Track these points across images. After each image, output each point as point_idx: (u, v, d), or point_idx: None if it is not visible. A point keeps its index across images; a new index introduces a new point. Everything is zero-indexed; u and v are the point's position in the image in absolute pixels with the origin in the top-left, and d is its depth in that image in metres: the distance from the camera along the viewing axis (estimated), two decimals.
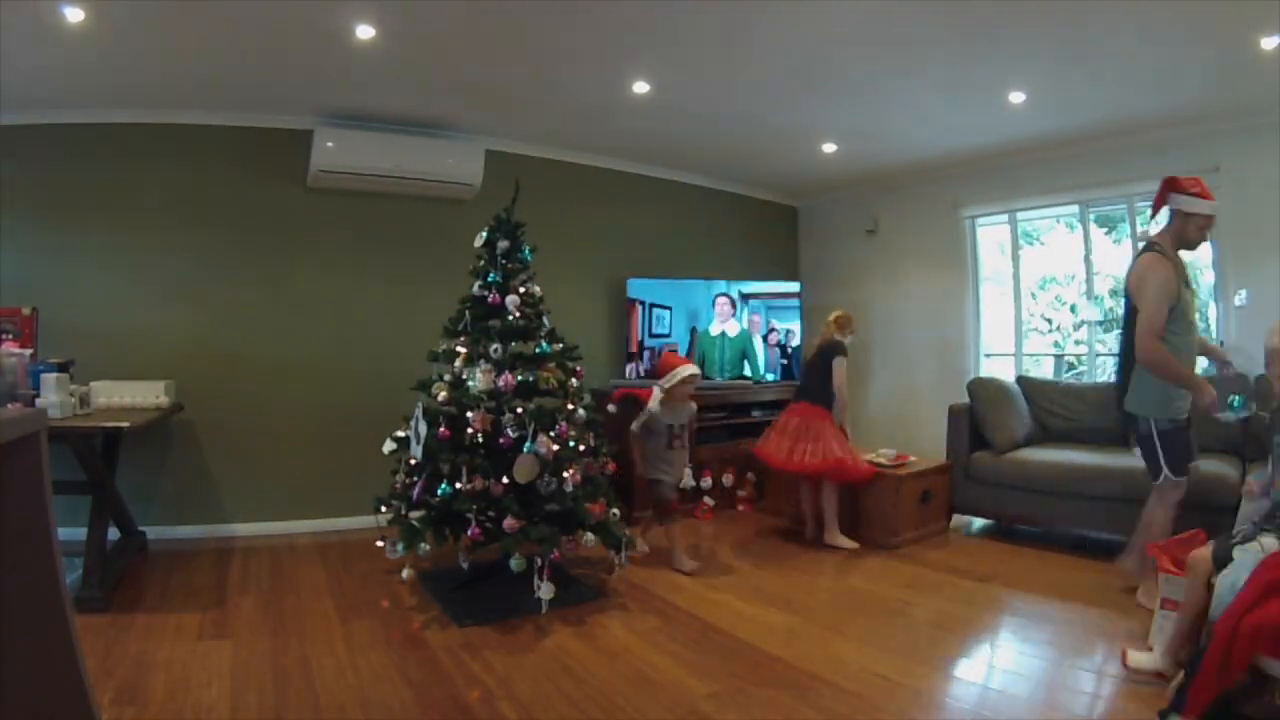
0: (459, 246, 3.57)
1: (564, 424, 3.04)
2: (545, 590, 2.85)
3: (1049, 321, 5.87)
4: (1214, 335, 4.22)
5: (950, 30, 3.01)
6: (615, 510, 3.14)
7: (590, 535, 3.01)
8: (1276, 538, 1.97)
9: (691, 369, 3.66)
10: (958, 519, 4.30)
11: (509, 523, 2.80)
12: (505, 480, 2.87)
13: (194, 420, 3.88)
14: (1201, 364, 3.01)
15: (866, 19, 2.94)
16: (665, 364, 3.74)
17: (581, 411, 3.20)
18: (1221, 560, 1.98)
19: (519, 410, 3.02)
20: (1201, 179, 2.83)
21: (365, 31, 3.00)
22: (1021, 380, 4.53)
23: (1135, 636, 2.56)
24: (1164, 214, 2.88)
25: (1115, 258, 5.01)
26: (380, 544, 3.08)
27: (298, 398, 4.09)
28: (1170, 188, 2.83)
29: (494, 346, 3.10)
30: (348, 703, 2.14)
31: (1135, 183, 4.33)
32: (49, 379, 2.83)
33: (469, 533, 2.84)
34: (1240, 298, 3.93)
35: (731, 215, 5.84)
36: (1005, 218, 5.01)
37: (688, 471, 3.70)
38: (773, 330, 5.33)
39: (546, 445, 2.90)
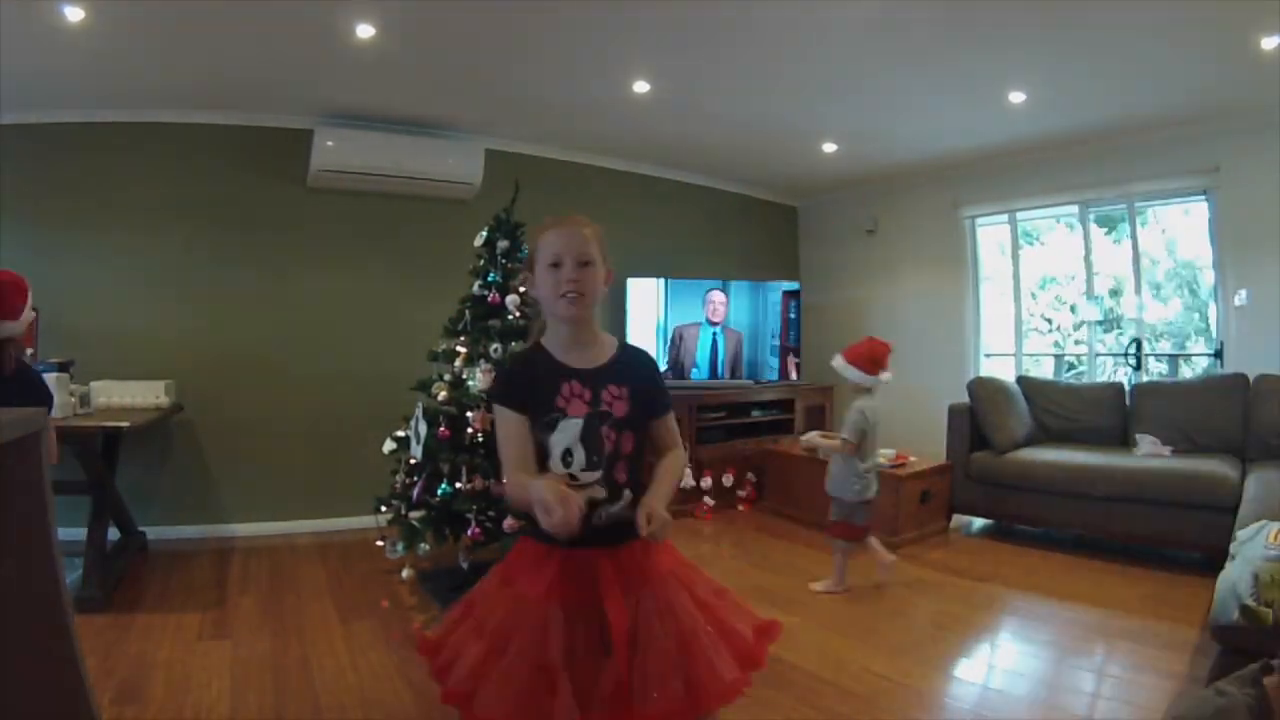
0: (459, 246, 3.57)
1: None
2: None
3: (1049, 321, 5.86)
4: (1214, 335, 4.23)
5: (950, 30, 3.01)
6: None
7: None
8: None
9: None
10: (958, 519, 4.30)
11: (509, 523, 2.80)
12: (505, 480, 2.87)
13: (194, 420, 3.88)
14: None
15: (867, 19, 2.94)
16: (873, 351, 3.06)
17: None
18: None
19: None
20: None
21: (365, 31, 3.00)
22: (1021, 380, 4.53)
23: (1136, 636, 2.57)
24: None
25: (1115, 258, 5.01)
26: (380, 544, 3.08)
27: (298, 397, 4.09)
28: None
29: (494, 346, 3.10)
30: (348, 703, 2.14)
31: (1135, 183, 4.33)
32: (49, 379, 2.82)
33: (469, 533, 2.84)
34: (1240, 298, 3.93)
35: (731, 215, 5.83)
36: (1005, 218, 5.01)
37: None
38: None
39: None
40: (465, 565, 3.10)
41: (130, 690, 2.15)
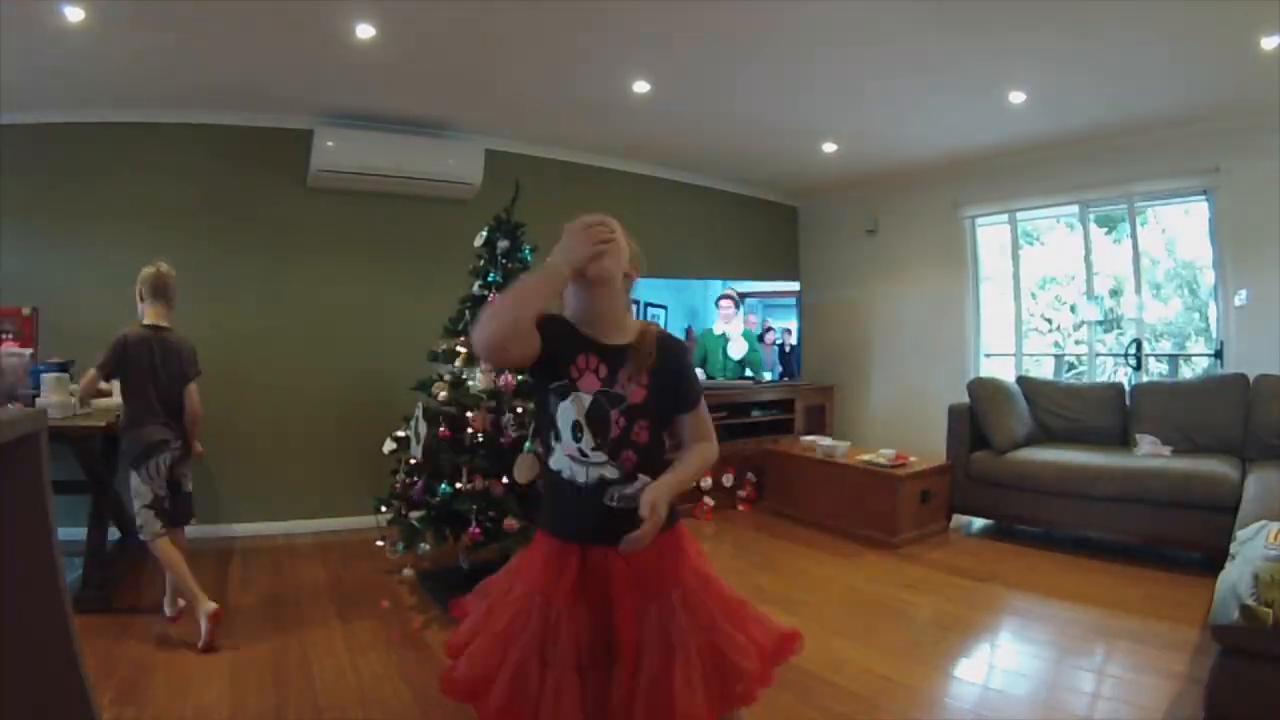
0: (459, 246, 3.57)
1: None
2: None
3: (1049, 321, 5.86)
4: (1214, 335, 4.23)
5: (950, 30, 3.01)
6: None
7: None
8: None
9: None
10: (958, 519, 4.30)
11: (509, 523, 2.80)
12: (505, 480, 2.87)
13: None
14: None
15: (867, 19, 2.94)
16: None
17: None
18: None
19: (519, 410, 3.02)
20: None
21: (365, 31, 3.00)
22: (1021, 380, 4.53)
23: (1136, 636, 2.57)
24: None
25: (1115, 258, 5.02)
26: (380, 544, 3.08)
27: (298, 397, 4.09)
28: None
29: None
30: (348, 703, 2.14)
31: (1135, 183, 4.33)
32: (49, 379, 2.83)
33: (469, 533, 2.84)
34: (1240, 298, 3.93)
35: (731, 215, 5.83)
36: (1005, 218, 5.01)
37: None
38: (769, 330, 5.32)
39: None
40: (465, 565, 3.10)
41: (130, 690, 2.15)
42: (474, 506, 2.86)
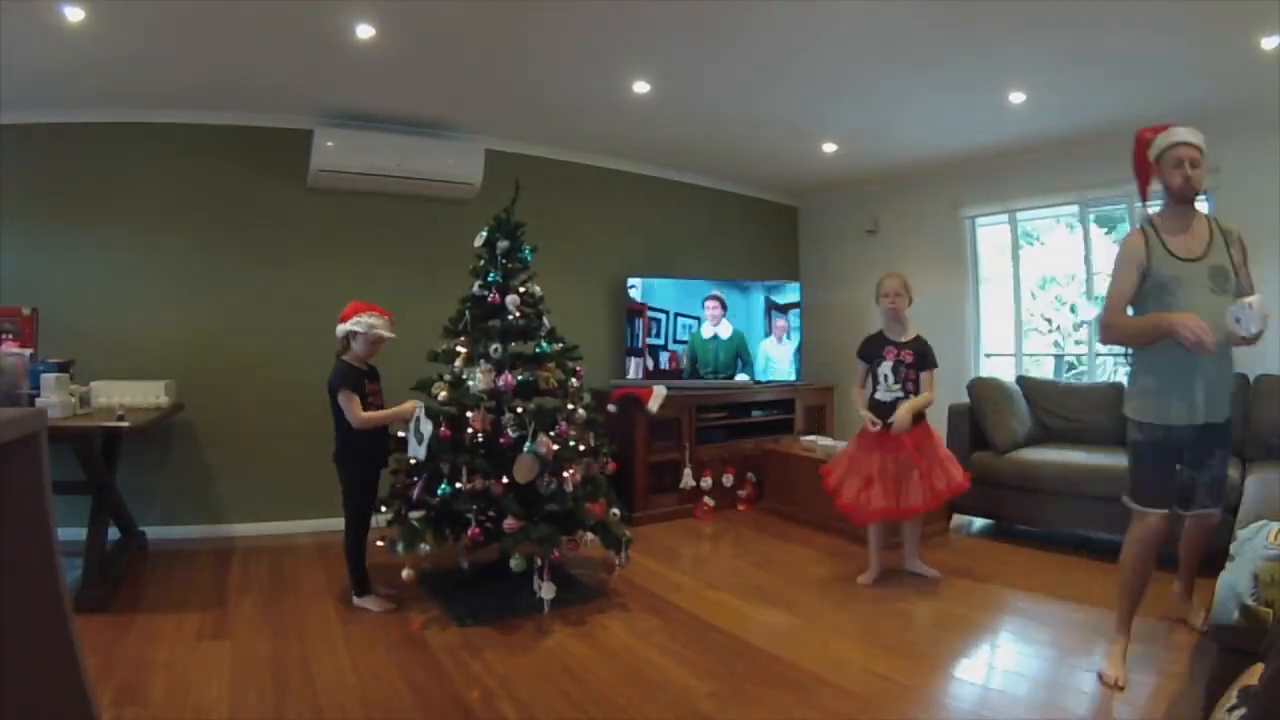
0: (459, 246, 3.57)
1: (564, 424, 3.04)
2: (546, 590, 2.85)
3: (1049, 321, 5.87)
4: None
5: (951, 30, 3.01)
6: (615, 510, 3.14)
7: (590, 535, 3.01)
8: None
9: None
10: (958, 519, 4.30)
11: (509, 523, 2.80)
12: (505, 480, 2.87)
13: (194, 420, 3.88)
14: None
15: (867, 19, 2.94)
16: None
17: (581, 411, 3.20)
18: None
19: (519, 410, 3.02)
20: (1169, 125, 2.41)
21: (365, 31, 3.00)
22: (1021, 380, 4.53)
23: (1136, 635, 2.56)
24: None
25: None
26: (380, 544, 3.08)
27: (298, 397, 4.08)
28: (1140, 145, 2.50)
29: (494, 346, 3.10)
30: (348, 703, 2.14)
31: (1135, 183, 4.31)
32: (49, 379, 2.83)
33: (469, 533, 2.84)
34: None
35: (731, 215, 5.83)
36: (1005, 218, 5.01)
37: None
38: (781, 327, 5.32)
39: (546, 445, 2.90)
40: (465, 565, 3.11)
41: (130, 690, 2.15)
42: (474, 506, 2.86)
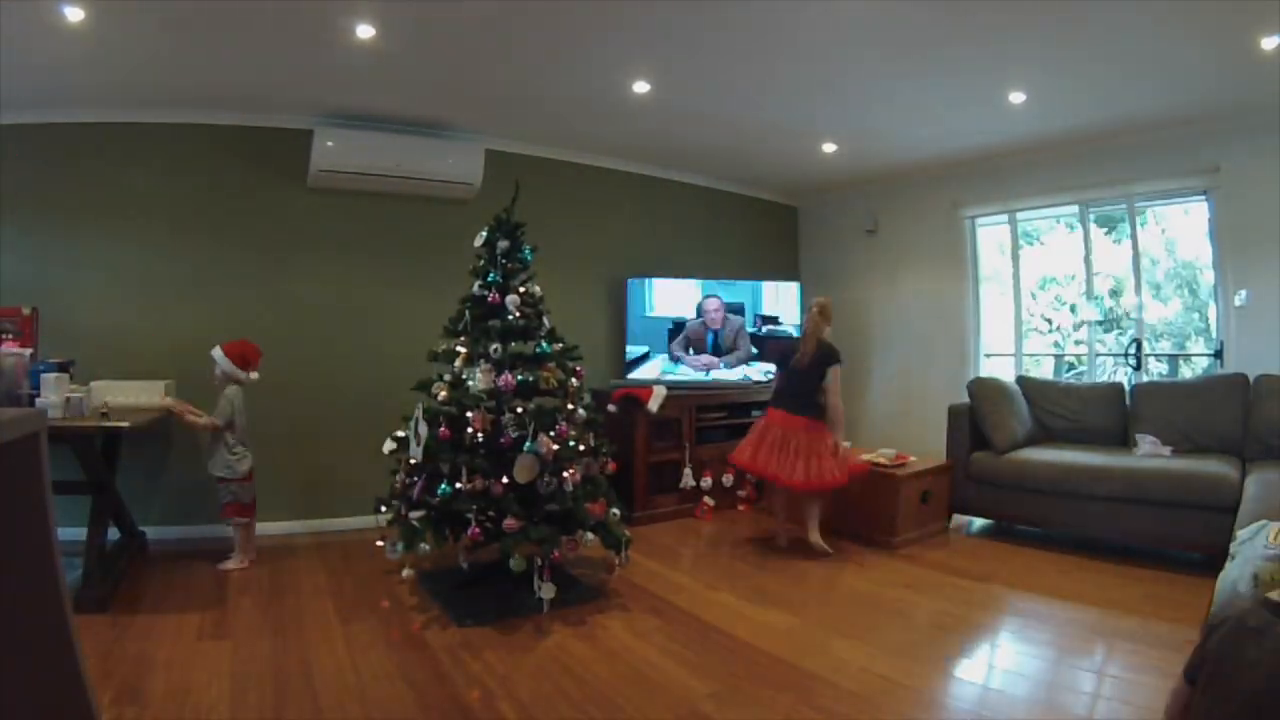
0: (459, 246, 3.57)
1: (564, 424, 3.04)
2: (546, 590, 2.85)
3: (1049, 321, 5.87)
4: (1214, 335, 4.23)
5: (951, 30, 3.01)
6: (615, 510, 3.14)
7: (590, 535, 3.01)
8: None
9: None
10: (958, 519, 4.30)
11: (509, 523, 2.80)
12: (505, 480, 2.87)
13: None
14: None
15: (867, 19, 2.94)
16: (245, 351, 3.52)
17: (581, 411, 3.20)
18: None
19: (519, 410, 3.02)
20: None
21: (365, 31, 3.00)
22: (1021, 380, 4.53)
23: (1136, 636, 2.57)
24: None
25: (1115, 258, 5.02)
26: (380, 544, 3.08)
27: (297, 397, 4.09)
28: None
29: (494, 346, 3.10)
30: (348, 703, 2.14)
31: (1135, 183, 4.33)
32: (49, 379, 2.83)
33: (469, 533, 2.84)
34: (1240, 298, 3.93)
35: (731, 215, 5.83)
36: (1005, 218, 5.01)
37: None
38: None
39: (546, 445, 2.90)
40: (465, 565, 3.10)
41: (130, 690, 2.15)
42: (474, 506, 2.86)
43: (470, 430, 2.95)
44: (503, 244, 3.20)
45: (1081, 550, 3.64)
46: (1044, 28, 2.96)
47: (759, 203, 6.04)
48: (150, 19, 2.84)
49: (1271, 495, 2.70)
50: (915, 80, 3.58)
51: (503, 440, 2.96)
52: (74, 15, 2.73)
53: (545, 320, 3.26)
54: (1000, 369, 5.02)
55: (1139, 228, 4.52)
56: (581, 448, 3.12)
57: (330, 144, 3.94)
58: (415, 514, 2.97)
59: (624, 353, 5.00)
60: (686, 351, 5.04)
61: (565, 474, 2.94)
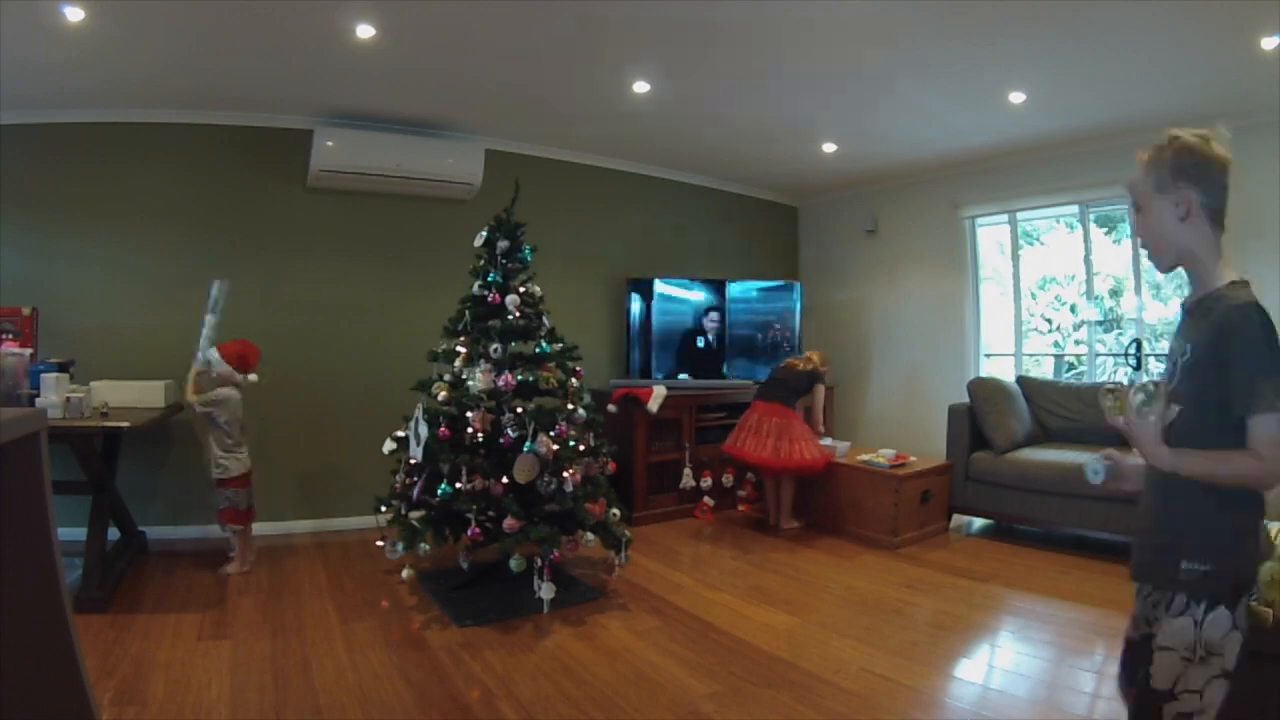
0: (459, 246, 3.57)
1: (564, 424, 3.04)
2: (546, 590, 2.85)
3: (1049, 321, 5.86)
4: None
5: (950, 31, 3.01)
6: (615, 510, 3.14)
7: (590, 535, 3.01)
8: None
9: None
10: (958, 519, 4.30)
11: (509, 523, 2.80)
12: (505, 480, 2.87)
13: (194, 420, 3.87)
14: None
15: (867, 19, 2.94)
16: (245, 351, 3.47)
17: (581, 411, 3.20)
18: None
19: (519, 410, 3.02)
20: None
21: (365, 31, 3.00)
22: (1021, 380, 4.53)
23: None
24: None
25: (1115, 258, 5.02)
26: (380, 544, 3.08)
27: (297, 397, 4.09)
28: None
29: (494, 346, 3.10)
30: (348, 703, 2.15)
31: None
32: (49, 379, 2.83)
33: (469, 533, 2.84)
34: None
35: (731, 215, 5.83)
36: (1005, 218, 5.01)
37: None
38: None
39: (546, 445, 2.90)
40: (465, 565, 3.10)
41: (130, 690, 2.15)
42: (474, 506, 2.86)
43: (470, 430, 2.95)
44: (503, 244, 3.21)
45: (1081, 550, 3.64)
46: (1044, 28, 2.96)
47: (759, 203, 6.04)
48: (150, 19, 2.84)
49: (1271, 495, 2.70)
50: (915, 80, 3.58)
51: (503, 440, 2.96)
52: (74, 15, 2.73)
53: (545, 320, 3.26)
54: (1000, 369, 5.02)
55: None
56: (581, 448, 3.12)
57: (330, 144, 3.94)
58: (415, 514, 2.97)
59: (626, 355, 5.01)
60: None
61: (565, 474, 2.94)
